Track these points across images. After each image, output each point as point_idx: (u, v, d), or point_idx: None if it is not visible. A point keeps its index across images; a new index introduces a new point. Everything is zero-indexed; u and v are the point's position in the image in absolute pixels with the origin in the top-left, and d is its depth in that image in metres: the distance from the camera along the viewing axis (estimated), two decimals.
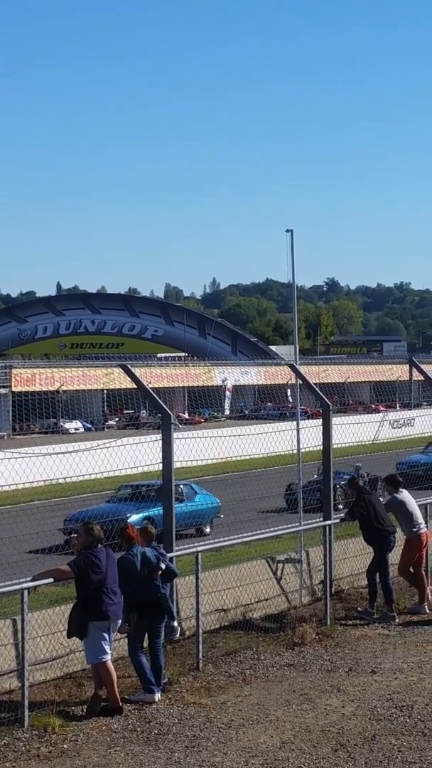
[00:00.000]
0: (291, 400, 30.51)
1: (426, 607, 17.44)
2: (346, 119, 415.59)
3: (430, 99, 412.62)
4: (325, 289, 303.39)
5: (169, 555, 14.13)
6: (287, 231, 18.07)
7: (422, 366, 23.34)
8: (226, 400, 52.18)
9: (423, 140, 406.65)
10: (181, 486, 25.75)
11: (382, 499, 18.32)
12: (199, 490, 28.32)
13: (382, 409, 51.13)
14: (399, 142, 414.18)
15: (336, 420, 19.27)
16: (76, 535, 13.29)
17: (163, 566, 13.27)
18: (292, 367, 18.49)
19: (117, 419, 51.32)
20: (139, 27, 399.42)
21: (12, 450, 20.60)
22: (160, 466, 15.14)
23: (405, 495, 17.91)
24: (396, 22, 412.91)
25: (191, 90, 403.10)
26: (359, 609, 17.21)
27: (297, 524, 18.27)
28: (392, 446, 33.53)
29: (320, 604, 17.00)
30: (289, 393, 35.21)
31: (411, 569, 17.77)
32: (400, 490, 17.92)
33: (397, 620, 16.81)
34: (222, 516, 27.52)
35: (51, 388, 48.54)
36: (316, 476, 26.82)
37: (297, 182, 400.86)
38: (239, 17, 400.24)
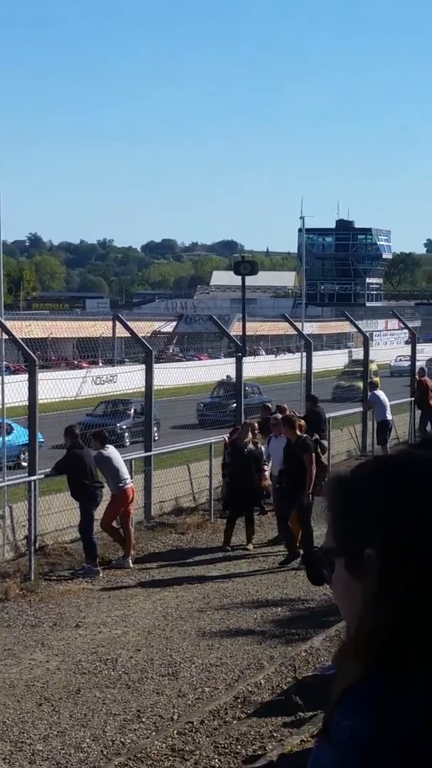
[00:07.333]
0: None
1: (130, 561, 17.59)
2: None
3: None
4: (27, 244, 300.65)
5: None
6: None
7: (128, 322, 23.48)
8: None
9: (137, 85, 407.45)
10: None
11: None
12: None
13: (85, 365, 51.22)
14: (102, 86, 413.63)
15: (41, 375, 19.13)
16: None
17: None
18: None
19: None
20: None
21: None
22: None
23: (111, 450, 18.00)
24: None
25: None
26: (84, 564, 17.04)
27: (0, 479, 18.07)
28: (94, 402, 33.69)
29: (24, 559, 16.88)
30: None
31: (115, 524, 17.89)
32: (107, 445, 18.00)
33: (101, 575, 16.90)
34: None
35: None
36: None
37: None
38: None
